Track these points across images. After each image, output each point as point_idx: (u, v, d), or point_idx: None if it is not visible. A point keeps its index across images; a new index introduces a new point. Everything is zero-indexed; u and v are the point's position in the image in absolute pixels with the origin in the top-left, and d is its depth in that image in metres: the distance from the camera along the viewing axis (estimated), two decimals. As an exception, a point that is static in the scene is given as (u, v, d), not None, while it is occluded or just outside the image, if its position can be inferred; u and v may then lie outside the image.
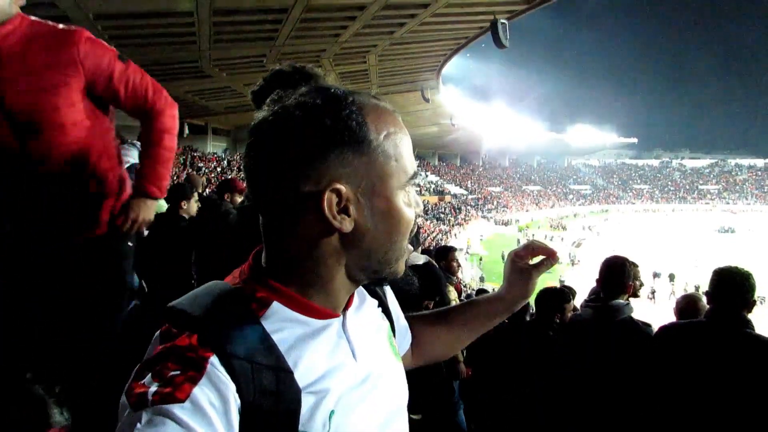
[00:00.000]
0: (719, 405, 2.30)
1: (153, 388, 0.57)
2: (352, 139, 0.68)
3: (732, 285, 2.43)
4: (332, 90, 0.70)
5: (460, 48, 21.70)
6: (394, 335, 0.94)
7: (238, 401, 0.61)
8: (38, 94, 1.66)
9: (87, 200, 1.86)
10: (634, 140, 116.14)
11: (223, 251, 1.63)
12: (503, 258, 34.55)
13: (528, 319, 4.54)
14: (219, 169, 32.18)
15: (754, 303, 2.44)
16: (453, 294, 4.88)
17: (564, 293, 3.64)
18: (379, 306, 0.92)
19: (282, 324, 0.69)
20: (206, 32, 14.96)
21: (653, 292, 29.92)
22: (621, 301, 2.88)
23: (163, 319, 0.67)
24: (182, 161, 29.54)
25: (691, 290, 29.19)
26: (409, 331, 1.07)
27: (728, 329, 2.39)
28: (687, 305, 3.36)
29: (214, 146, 37.33)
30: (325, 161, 0.67)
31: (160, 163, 1.97)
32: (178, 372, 0.59)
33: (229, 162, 34.91)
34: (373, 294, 0.93)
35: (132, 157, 3.71)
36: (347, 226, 0.69)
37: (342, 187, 0.67)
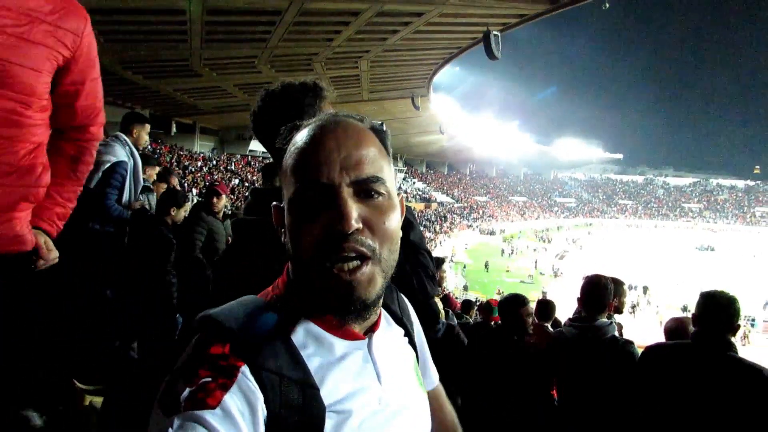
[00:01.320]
0: (702, 425, 2.32)
1: (185, 394, 0.59)
2: (283, 156, 0.74)
3: (718, 309, 2.46)
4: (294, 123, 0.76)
5: (452, 58, 21.85)
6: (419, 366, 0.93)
7: (265, 412, 0.62)
8: (17, 39, 1.40)
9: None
10: (620, 156, 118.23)
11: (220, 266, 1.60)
12: (486, 267, 34.98)
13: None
14: (206, 169, 31.93)
15: (738, 327, 2.47)
16: (440, 305, 4.88)
17: (518, 297, 3.68)
18: (405, 336, 0.91)
19: (310, 341, 0.71)
20: (198, 31, 14.87)
21: (633, 307, 30.18)
22: (605, 320, 2.91)
23: (198, 327, 0.68)
24: (169, 160, 29.26)
25: (673, 307, 29.70)
26: (434, 369, 1.04)
27: (713, 352, 2.41)
28: (677, 328, 3.38)
29: (202, 146, 37.06)
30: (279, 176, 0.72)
31: (63, 202, 1.70)
32: (210, 379, 0.60)
33: (216, 162, 34.65)
34: (399, 322, 0.91)
35: (113, 155, 3.63)
36: (284, 236, 0.73)
37: (276, 205, 0.74)
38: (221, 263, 1.59)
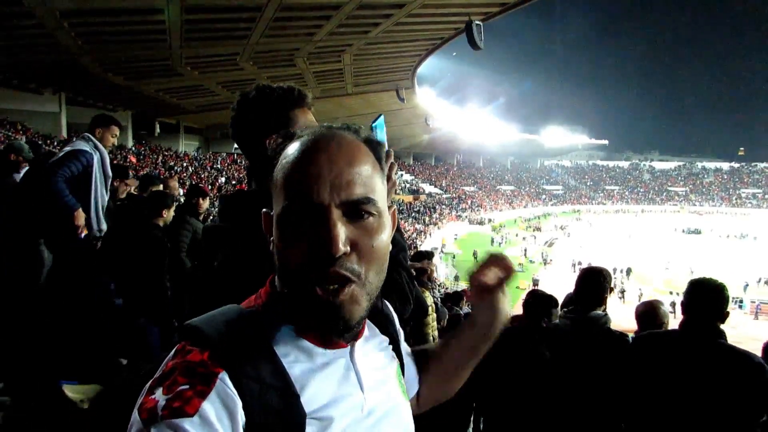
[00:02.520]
0: (694, 414, 2.34)
1: (162, 402, 0.58)
2: (273, 166, 0.73)
3: (706, 296, 2.47)
4: (285, 132, 0.76)
5: (436, 48, 21.80)
6: (403, 375, 0.93)
7: (244, 418, 0.61)
8: None
9: None
10: (605, 142, 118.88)
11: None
12: (475, 257, 35.24)
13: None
14: (191, 169, 31.66)
15: (727, 314, 2.47)
16: (429, 299, 4.90)
17: (552, 298, 3.62)
18: (390, 344, 0.91)
19: (291, 349, 0.70)
20: (177, 30, 14.71)
21: (623, 292, 30.43)
22: (599, 312, 2.90)
23: (178, 336, 0.69)
24: (154, 161, 28.99)
25: (661, 291, 30.04)
26: (416, 376, 1.04)
27: (702, 340, 2.42)
28: (647, 311, 3.38)
29: (187, 145, 36.73)
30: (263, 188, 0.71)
31: None
32: (188, 386, 0.60)
33: (201, 161, 34.37)
34: (385, 332, 0.91)
35: (73, 146, 3.73)
36: (273, 246, 0.71)
37: (266, 212, 0.73)
38: (195, 270, 1.57)
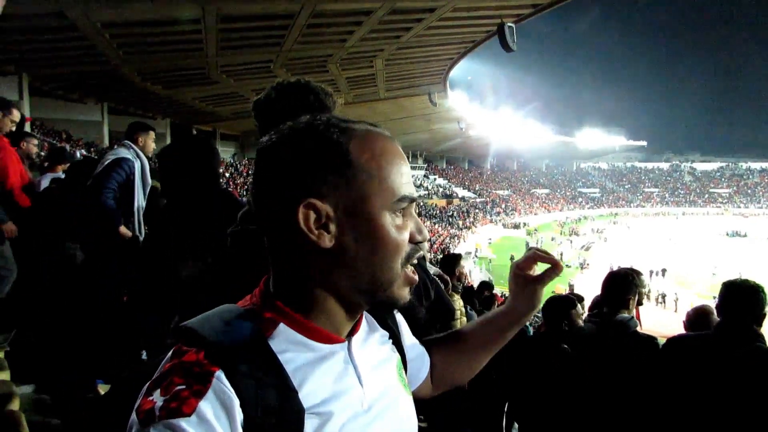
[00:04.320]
0: (726, 419, 2.26)
1: (159, 403, 0.59)
2: (331, 160, 0.70)
3: (741, 298, 2.38)
4: (322, 117, 0.74)
5: (467, 52, 21.71)
6: (405, 369, 0.93)
7: (242, 416, 0.61)
8: None
9: None
10: (644, 143, 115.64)
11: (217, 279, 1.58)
12: (512, 260, 34.69)
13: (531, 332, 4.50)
14: (228, 174, 32.32)
15: (764, 316, 2.39)
16: (459, 303, 4.85)
17: (569, 299, 3.56)
18: (390, 338, 0.92)
19: (288, 345, 0.71)
20: (213, 39, 15.07)
21: (663, 296, 29.56)
22: (625, 315, 2.82)
23: (174, 337, 0.70)
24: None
25: (705, 296, 29.07)
26: (427, 357, 1.06)
27: (737, 343, 2.34)
28: (698, 317, 3.28)
29: (223, 151, 37.56)
30: (304, 180, 0.69)
31: None
32: (184, 386, 0.60)
33: (237, 167, 35.05)
34: (384, 326, 0.92)
35: (116, 154, 3.79)
36: (326, 242, 0.69)
37: (318, 203, 0.69)
38: (220, 276, 1.57)
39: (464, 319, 5.04)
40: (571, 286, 31.59)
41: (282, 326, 0.72)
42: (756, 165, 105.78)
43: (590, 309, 4.29)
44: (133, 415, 0.60)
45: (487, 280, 32.46)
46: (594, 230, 61.47)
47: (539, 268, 1.01)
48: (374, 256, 0.71)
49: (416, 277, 0.75)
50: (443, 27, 17.01)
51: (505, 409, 4.35)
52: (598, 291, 4.71)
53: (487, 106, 57.85)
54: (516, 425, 4.18)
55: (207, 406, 0.59)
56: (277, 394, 0.65)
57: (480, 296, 6.92)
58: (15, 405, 2.70)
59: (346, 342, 0.77)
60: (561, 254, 43.58)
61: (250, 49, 17.05)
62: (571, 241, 52.76)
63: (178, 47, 15.86)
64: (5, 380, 3.02)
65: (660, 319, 22.50)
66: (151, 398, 0.60)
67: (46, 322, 3.44)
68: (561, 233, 58.35)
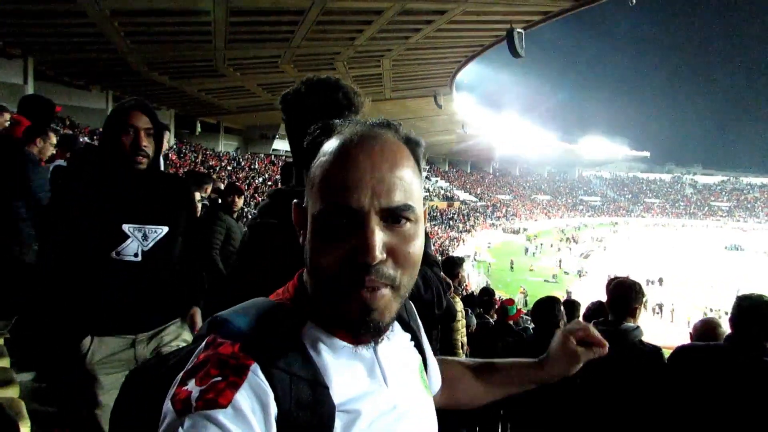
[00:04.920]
0: (733, 430, 2.25)
1: (196, 394, 0.59)
2: (309, 158, 0.72)
3: (754, 312, 2.39)
4: (333, 121, 0.74)
5: (475, 56, 21.71)
6: (426, 371, 0.93)
7: (276, 409, 0.62)
8: None
9: None
10: (647, 154, 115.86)
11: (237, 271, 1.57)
12: (512, 267, 34.62)
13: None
14: (230, 168, 32.32)
15: None
16: (460, 305, 4.85)
17: (552, 299, 3.63)
18: (412, 340, 0.91)
19: (318, 342, 0.71)
20: (222, 32, 15.05)
21: (660, 306, 29.59)
22: (631, 324, 2.83)
23: (208, 328, 0.70)
24: (193, 159, 29.69)
25: (700, 308, 29.09)
26: (438, 372, 1.05)
27: (748, 356, 2.34)
28: (705, 330, 3.28)
29: (226, 145, 37.57)
30: (303, 180, 0.73)
31: None
32: (220, 378, 0.61)
33: (239, 161, 35.03)
34: (407, 328, 0.91)
35: None
36: (302, 239, 0.73)
37: (296, 207, 0.74)
38: (236, 269, 1.56)
39: (464, 321, 5.05)
40: (568, 293, 31.56)
41: (313, 324, 0.72)
42: (757, 180, 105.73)
43: (586, 315, 4.28)
44: (168, 404, 0.60)
45: (486, 284, 32.52)
46: (594, 238, 61.46)
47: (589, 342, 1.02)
48: (309, 264, 0.70)
49: (371, 300, 0.65)
50: (452, 30, 16.99)
51: (501, 412, 4.35)
52: (594, 298, 4.73)
53: (492, 110, 57.90)
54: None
55: (243, 398, 0.60)
56: (310, 389, 0.65)
57: (481, 300, 6.93)
58: (14, 392, 2.68)
59: (373, 343, 0.75)
60: (560, 261, 43.66)
61: (259, 44, 17.03)
62: (570, 249, 52.75)
63: (187, 38, 15.85)
64: (5, 367, 3.00)
65: (656, 329, 22.57)
66: (186, 388, 0.60)
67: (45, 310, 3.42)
68: (561, 240, 58.32)
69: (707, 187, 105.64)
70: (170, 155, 26.56)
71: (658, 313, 28.94)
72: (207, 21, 14.19)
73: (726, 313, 2.66)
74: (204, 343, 0.68)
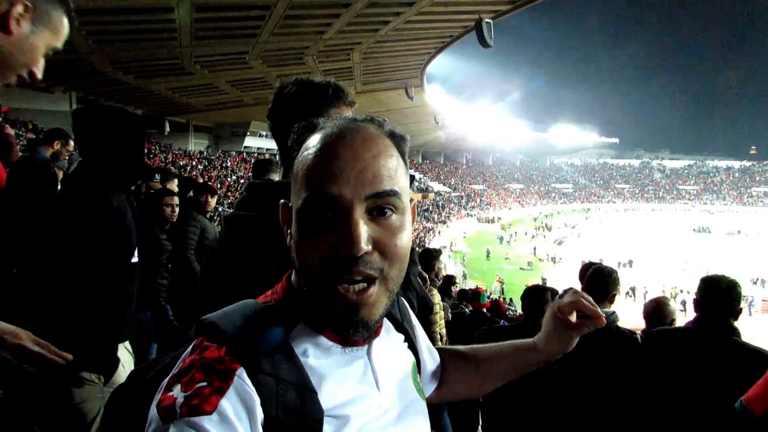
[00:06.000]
0: (706, 411, 2.30)
1: (181, 400, 0.58)
2: (294, 156, 0.72)
3: (719, 293, 2.46)
4: (317, 119, 0.73)
5: (445, 47, 21.75)
6: (419, 372, 0.92)
7: (262, 415, 0.61)
8: None
9: None
10: (616, 140, 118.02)
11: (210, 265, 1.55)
12: (488, 256, 34.87)
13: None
14: (201, 167, 31.84)
15: (740, 310, 2.47)
16: (437, 297, 4.86)
17: (545, 288, 3.65)
18: (405, 341, 0.90)
19: (308, 346, 0.70)
20: (187, 29, 14.77)
21: (632, 289, 30.24)
22: (607, 310, 2.87)
23: (195, 332, 0.68)
24: (163, 159, 29.15)
25: (673, 290, 29.86)
26: (435, 369, 1.05)
27: (715, 337, 2.41)
28: (654, 308, 3.36)
29: (197, 144, 36.93)
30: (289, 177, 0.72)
31: None
32: (206, 383, 0.60)
33: (210, 159, 34.54)
34: (400, 329, 0.90)
35: None
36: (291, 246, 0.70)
37: (285, 205, 0.72)
38: (211, 261, 1.53)
39: (442, 312, 5.06)
40: (543, 280, 32.09)
41: (302, 325, 0.71)
42: (722, 163, 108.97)
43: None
44: (153, 410, 0.59)
45: (463, 273, 32.80)
46: (567, 225, 62.49)
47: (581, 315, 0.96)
48: (295, 261, 0.69)
49: (356, 298, 0.64)
50: (421, 21, 16.98)
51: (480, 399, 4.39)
52: (570, 284, 4.79)
53: (464, 101, 58.22)
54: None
55: (228, 404, 0.59)
56: (298, 394, 0.64)
57: (446, 288, 6.98)
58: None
59: (366, 345, 0.76)
60: (535, 248, 44.31)
61: (226, 40, 16.77)
62: (545, 236, 53.59)
63: (151, 36, 15.49)
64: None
65: (629, 312, 22.97)
66: (171, 393, 0.59)
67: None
68: (536, 228, 59.15)
69: (675, 172, 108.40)
70: (139, 156, 26.01)
71: (630, 296, 29.58)
72: (171, 18, 13.90)
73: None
74: (191, 346, 0.67)
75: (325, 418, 0.65)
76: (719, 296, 2.45)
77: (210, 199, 4.68)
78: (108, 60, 17.54)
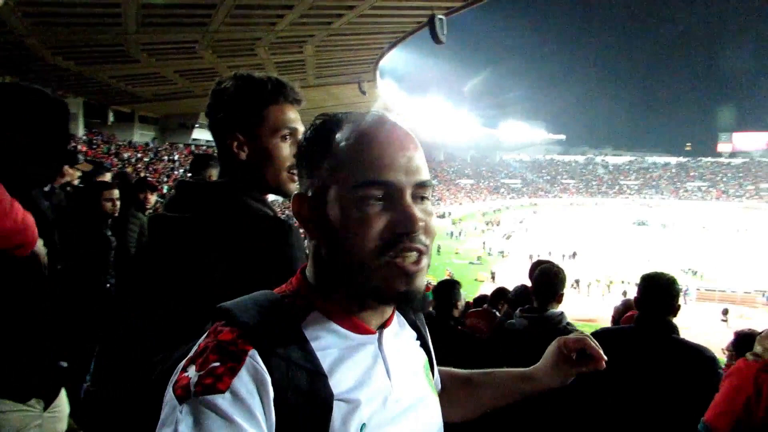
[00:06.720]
0: (648, 408, 2.38)
1: (195, 379, 0.62)
2: (318, 149, 0.74)
3: (658, 291, 2.53)
4: (332, 113, 0.77)
5: (398, 42, 21.77)
6: (432, 371, 0.94)
7: (273, 394, 0.63)
8: None
9: None
10: (563, 137, 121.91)
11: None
12: (438, 250, 35.19)
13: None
14: (147, 160, 30.75)
15: (679, 307, 2.55)
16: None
17: (454, 282, 3.85)
18: (418, 339, 0.92)
19: (320, 332, 0.73)
20: (133, 14, 14.17)
21: (577, 281, 31.26)
22: (556, 310, 2.91)
23: (212, 318, 0.72)
24: (106, 150, 27.98)
25: (612, 281, 31.08)
26: (439, 381, 1.05)
27: (655, 335, 2.48)
28: (623, 313, 3.45)
29: (142, 135, 35.55)
30: (303, 170, 0.76)
31: None
32: (219, 363, 0.63)
33: (157, 151, 33.40)
34: (413, 326, 0.93)
35: None
36: (312, 231, 0.74)
37: (307, 192, 0.74)
38: (135, 264, 1.46)
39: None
40: (492, 274, 32.82)
41: (315, 313, 0.74)
42: (660, 159, 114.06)
43: (511, 300, 4.20)
44: (169, 391, 0.63)
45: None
46: (515, 219, 64.01)
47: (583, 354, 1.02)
48: (338, 246, 0.71)
49: (414, 268, 0.71)
50: (375, 15, 16.92)
51: None
52: (518, 277, 4.88)
53: (416, 97, 58.59)
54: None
55: (240, 383, 0.61)
56: (308, 377, 0.66)
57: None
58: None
59: (377, 334, 0.78)
60: (484, 243, 45.21)
61: (174, 28, 16.20)
62: (494, 230, 54.74)
63: (93, 21, 14.75)
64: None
65: (574, 303, 23.82)
66: (186, 374, 0.63)
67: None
68: (485, 223, 60.27)
69: (617, 168, 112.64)
70: (80, 147, 24.91)
71: (575, 287, 30.62)
72: (116, 3, 13.32)
73: (635, 285, 2.83)
74: (207, 332, 0.70)
75: (335, 402, 0.67)
76: (658, 294, 2.51)
77: (149, 196, 4.47)
78: (46, 44, 16.64)
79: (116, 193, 3.80)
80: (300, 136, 1.26)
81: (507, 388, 1.08)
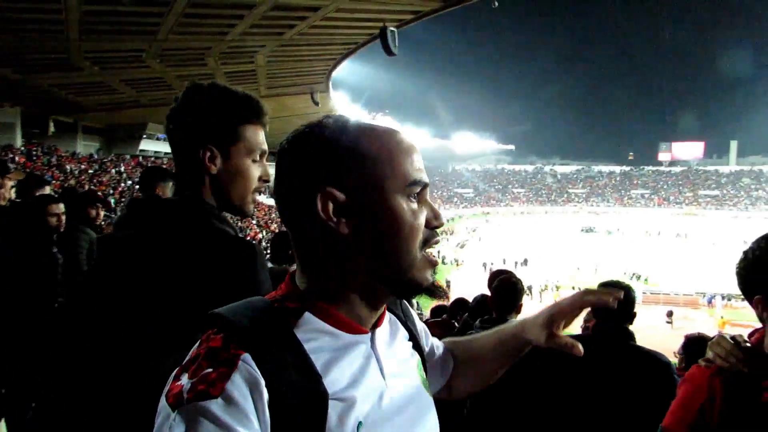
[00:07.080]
0: (606, 416, 2.40)
1: (187, 386, 0.62)
2: (345, 151, 0.74)
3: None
4: (334, 116, 0.80)
5: (351, 53, 21.87)
6: (425, 369, 0.95)
7: (267, 397, 0.63)
8: None
9: None
10: (512, 147, 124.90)
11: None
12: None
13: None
14: (91, 171, 29.60)
15: (635, 315, 2.60)
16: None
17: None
18: (410, 339, 0.94)
19: (313, 334, 0.73)
20: (75, 21, 13.68)
21: (530, 288, 31.96)
22: (515, 320, 2.94)
23: (204, 325, 0.72)
24: (46, 162, 26.78)
25: (565, 287, 31.91)
26: (451, 361, 1.10)
27: (614, 343, 2.52)
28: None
29: (86, 146, 34.17)
30: (320, 171, 0.74)
31: None
32: (211, 369, 0.63)
33: (102, 163, 32.21)
34: (405, 326, 0.94)
35: None
36: (344, 228, 0.73)
37: (335, 191, 0.72)
38: (84, 286, 1.38)
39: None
40: (448, 282, 33.09)
41: (307, 315, 0.74)
42: (605, 168, 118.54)
43: (471, 309, 4.21)
44: (163, 400, 0.63)
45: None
46: (468, 229, 65.03)
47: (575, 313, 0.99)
48: (390, 239, 0.74)
49: (436, 260, 0.78)
50: (327, 27, 16.97)
51: None
52: (473, 286, 4.97)
53: (369, 108, 58.88)
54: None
55: (234, 387, 0.61)
56: (302, 377, 0.67)
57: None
58: None
59: (370, 333, 0.79)
60: (438, 252, 45.64)
61: (120, 36, 15.71)
62: (448, 239, 55.41)
63: (33, 27, 14.14)
64: None
65: (528, 310, 24.23)
66: (179, 382, 0.63)
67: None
68: (441, 233, 60.92)
69: (565, 177, 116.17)
70: (17, 158, 23.76)
71: (528, 294, 31.31)
72: (57, 8, 12.82)
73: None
74: (199, 340, 0.70)
75: (330, 401, 0.68)
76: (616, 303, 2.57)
77: (100, 211, 4.27)
78: (-21, 50, 15.86)
79: (62, 207, 3.57)
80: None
81: (505, 347, 1.06)
